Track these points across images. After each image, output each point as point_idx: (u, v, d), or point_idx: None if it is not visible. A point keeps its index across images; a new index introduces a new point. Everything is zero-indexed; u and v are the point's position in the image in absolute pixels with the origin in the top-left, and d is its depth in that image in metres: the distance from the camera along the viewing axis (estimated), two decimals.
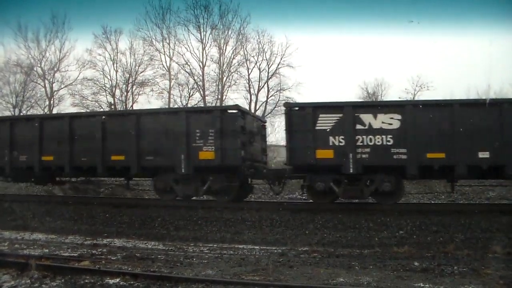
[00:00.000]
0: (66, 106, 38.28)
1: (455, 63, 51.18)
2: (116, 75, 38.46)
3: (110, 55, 38.32)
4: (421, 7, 44.87)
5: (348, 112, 11.86)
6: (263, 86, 38.48)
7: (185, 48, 37.29)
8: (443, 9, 46.67)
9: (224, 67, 37.67)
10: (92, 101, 38.32)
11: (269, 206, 13.38)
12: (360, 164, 11.69)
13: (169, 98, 37.84)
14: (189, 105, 36.07)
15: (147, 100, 38.86)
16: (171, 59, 37.78)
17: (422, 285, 5.98)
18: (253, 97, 38.26)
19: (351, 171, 11.73)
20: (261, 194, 17.54)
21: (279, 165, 19.40)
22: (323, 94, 51.58)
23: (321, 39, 59.14)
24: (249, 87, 38.43)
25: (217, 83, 37.76)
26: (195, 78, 37.63)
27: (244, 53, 37.89)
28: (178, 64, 37.81)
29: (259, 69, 38.21)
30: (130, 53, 38.14)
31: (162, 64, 38.08)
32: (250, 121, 13.92)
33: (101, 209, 13.02)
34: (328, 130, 11.91)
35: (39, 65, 38.53)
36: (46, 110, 37.08)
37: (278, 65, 37.83)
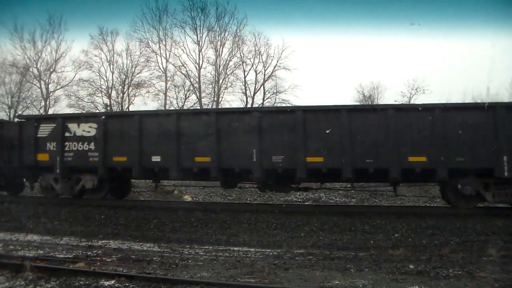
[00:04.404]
0: (62, 107, 38.36)
1: (452, 66, 51.53)
2: (112, 76, 38.61)
3: (106, 56, 38.52)
4: (421, 10, 45.07)
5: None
6: (259, 89, 38.70)
7: (182, 50, 37.52)
8: (443, 12, 46.90)
9: (220, 69, 37.83)
10: (88, 102, 38.41)
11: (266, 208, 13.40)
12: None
13: (165, 99, 37.93)
14: (185, 107, 36.12)
15: (143, 102, 39.02)
16: (167, 60, 37.96)
17: (417, 287, 6.00)
18: (249, 100, 38.39)
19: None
20: (257, 197, 17.56)
21: None
22: (319, 97, 51.67)
23: (318, 42, 59.46)
24: (245, 90, 38.60)
25: (213, 85, 37.88)
26: (192, 80, 37.78)
27: (240, 55, 38.15)
28: (175, 66, 37.99)
29: (256, 71, 38.45)
30: (126, 55, 38.37)
31: (158, 66, 38.29)
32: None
33: (96, 211, 12.99)
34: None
35: (35, 66, 38.65)
36: (41, 111, 37.04)
37: (275, 67, 38.12)
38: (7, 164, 15.13)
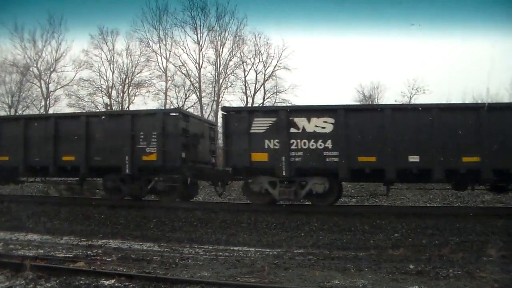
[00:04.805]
0: (62, 107, 38.33)
1: (452, 66, 51.53)
2: (113, 76, 38.59)
3: (106, 56, 38.48)
4: (420, 10, 45.05)
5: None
6: (259, 88, 38.64)
7: (182, 49, 37.45)
8: (443, 12, 46.91)
9: (220, 69, 37.77)
10: (88, 101, 38.40)
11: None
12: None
13: (165, 99, 37.94)
14: (185, 107, 36.11)
15: (143, 101, 39.01)
16: (167, 60, 37.92)
17: (417, 287, 6.00)
18: (250, 99, 38.37)
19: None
20: None
21: None
22: (319, 97, 51.68)
23: (318, 42, 59.35)
24: (246, 89, 38.56)
25: (214, 84, 37.84)
26: (192, 79, 37.73)
27: (240, 55, 38.06)
28: (175, 66, 37.95)
29: (256, 71, 38.37)
30: (126, 54, 38.33)
31: (159, 65, 38.25)
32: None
33: (96, 210, 12.98)
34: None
35: (35, 65, 38.64)
36: (42, 111, 37.04)
37: (275, 67, 38.02)
38: (188, 164, 13.47)
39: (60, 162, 14.07)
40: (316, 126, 12.10)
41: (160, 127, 13.13)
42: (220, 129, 12.82)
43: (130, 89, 38.83)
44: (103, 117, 14.81)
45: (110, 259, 7.74)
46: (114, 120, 14.15)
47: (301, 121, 12.17)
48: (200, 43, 37.38)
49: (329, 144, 11.98)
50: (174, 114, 13.85)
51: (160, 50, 37.88)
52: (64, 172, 14.64)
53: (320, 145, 12.01)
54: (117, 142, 13.43)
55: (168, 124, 13.23)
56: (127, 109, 36.18)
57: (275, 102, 37.56)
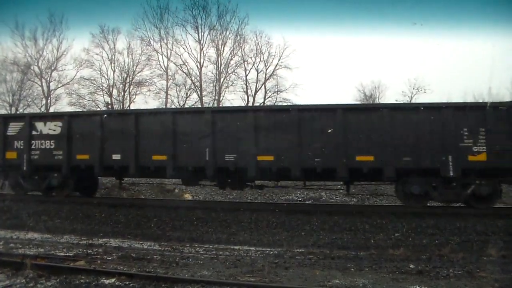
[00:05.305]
0: (63, 105, 38.34)
1: (453, 66, 51.48)
2: (114, 74, 38.59)
3: (107, 54, 38.50)
4: (421, 9, 45.04)
5: None
6: (260, 88, 38.65)
7: (183, 48, 37.52)
8: (444, 12, 46.89)
9: (221, 68, 37.77)
10: (89, 100, 38.44)
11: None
12: None
13: (166, 98, 37.97)
14: (186, 106, 36.08)
15: (144, 100, 39.04)
16: (168, 59, 37.96)
17: (417, 287, 6.01)
18: (250, 98, 38.40)
19: None
20: (257, 195, 17.53)
21: None
22: (320, 96, 51.70)
23: (319, 41, 59.38)
24: (247, 88, 38.57)
25: (215, 83, 37.85)
26: (193, 78, 37.76)
27: (241, 54, 38.07)
28: (176, 65, 37.98)
29: (257, 70, 38.41)
30: (127, 53, 38.37)
31: (160, 64, 38.29)
32: None
33: (96, 209, 12.98)
34: None
35: (36, 64, 38.65)
36: (42, 109, 37.04)
37: (276, 66, 38.05)
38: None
39: (355, 163, 11.98)
40: None
41: (491, 123, 11.45)
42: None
43: (131, 88, 38.89)
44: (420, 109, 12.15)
45: (110, 258, 7.75)
46: (428, 114, 11.88)
47: None
48: (201, 42, 37.49)
49: None
50: (503, 107, 11.78)
51: (161, 49, 37.99)
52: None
53: None
54: (434, 140, 11.70)
55: (499, 118, 11.52)
56: (128, 108, 36.17)
57: (276, 101, 37.60)
